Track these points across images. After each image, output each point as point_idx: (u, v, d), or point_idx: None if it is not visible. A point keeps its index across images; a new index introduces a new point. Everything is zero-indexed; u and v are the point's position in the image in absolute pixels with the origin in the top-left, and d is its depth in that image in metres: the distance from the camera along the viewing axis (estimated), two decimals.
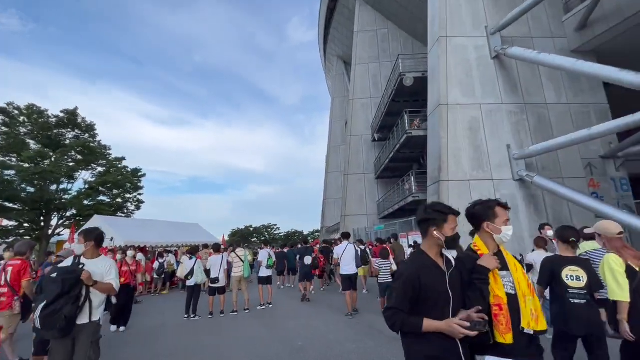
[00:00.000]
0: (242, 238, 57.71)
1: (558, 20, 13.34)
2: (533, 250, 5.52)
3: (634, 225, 8.30)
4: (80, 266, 2.59)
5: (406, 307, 1.65)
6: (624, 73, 8.45)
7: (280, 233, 65.89)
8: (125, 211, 25.61)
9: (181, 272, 7.14)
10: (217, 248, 7.33)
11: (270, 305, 7.65)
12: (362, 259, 7.88)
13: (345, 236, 7.51)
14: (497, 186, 11.60)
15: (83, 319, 2.58)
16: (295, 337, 5.02)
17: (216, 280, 6.87)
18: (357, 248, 7.51)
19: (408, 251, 11.41)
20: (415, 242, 11.62)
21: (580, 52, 12.37)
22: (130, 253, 10.31)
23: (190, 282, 6.96)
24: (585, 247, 4.23)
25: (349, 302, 6.59)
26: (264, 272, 7.83)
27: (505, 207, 1.95)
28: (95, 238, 2.78)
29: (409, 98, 16.72)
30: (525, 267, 5.11)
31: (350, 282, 6.77)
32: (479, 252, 1.85)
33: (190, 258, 7.06)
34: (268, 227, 65.61)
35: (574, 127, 11.93)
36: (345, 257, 6.99)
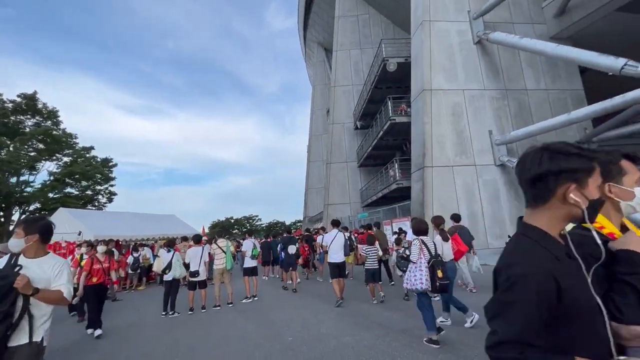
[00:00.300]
0: (223, 230, 56.69)
1: (538, 6, 13.43)
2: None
3: None
4: (17, 269, 1.93)
5: (538, 338, 0.87)
6: (602, 57, 8.56)
7: (261, 224, 65.29)
8: (97, 204, 24.15)
9: (158, 266, 6.63)
10: (197, 239, 6.86)
11: (256, 298, 7.30)
12: (349, 246, 7.82)
13: (335, 224, 7.28)
14: (479, 171, 11.70)
15: (19, 339, 1.92)
16: (285, 332, 4.72)
17: (196, 273, 6.43)
18: (345, 236, 7.40)
19: (392, 238, 11.34)
20: (400, 229, 11.56)
21: (558, 39, 12.52)
22: (100, 248, 9.54)
23: (167, 277, 6.47)
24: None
25: (337, 289, 6.45)
26: (249, 263, 7.43)
27: (635, 159, 1.25)
28: (40, 230, 2.07)
29: (392, 84, 16.54)
30: None
31: (338, 270, 6.65)
32: (603, 231, 1.15)
33: (168, 251, 6.54)
34: (249, 218, 64.79)
35: (552, 113, 12.18)
36: (334, 246, 6.81)
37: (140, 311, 7.16)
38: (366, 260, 6.82)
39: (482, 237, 11.20)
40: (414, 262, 4.05)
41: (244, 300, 7.11)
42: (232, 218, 63.06)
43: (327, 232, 9.53)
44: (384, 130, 15.15)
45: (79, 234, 9.26)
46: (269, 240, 11.27)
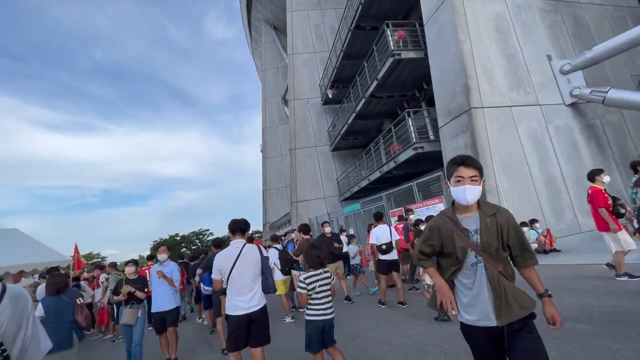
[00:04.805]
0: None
1: None
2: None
3: None
4: None
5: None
6: None
7: (217, 238, 57.28)
8: None
9: None
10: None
11: None
12: (285, 264, 5.32)
13: (237, 230, 2.83)
14: (547, 114, 7.53)
15: None
16: None
17: None
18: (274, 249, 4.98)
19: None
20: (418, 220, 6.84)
21: None
22: None
23: None
24: None
25: None
26: None
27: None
28: None
29: (379, 23, 11.98)
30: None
31: (247, 327, 2.71)
32: None
33: None
34: (199, 233, 56.35)
35: (613, 33, 8.65)
36: (236, 278, 2.72)
37: None
38: (308, 303, 2.68)
39: (569, 213, 6.98)
40: None
41: None
42: (177, 235, 54.16)
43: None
44: (378, 80, 10.49)
45: None
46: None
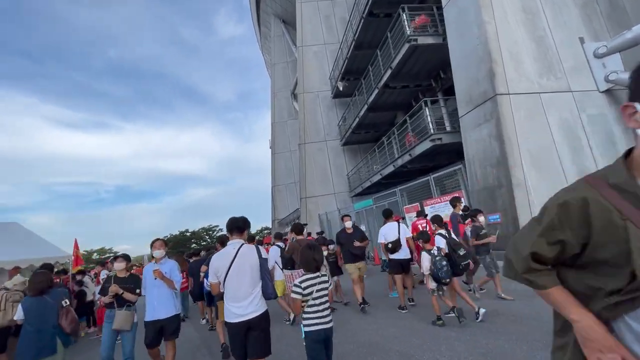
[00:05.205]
0: (176, 245, 48.29)
1: None
2: None
3: None
4: None
5: None
6: None
7: (223, 235, 57.58)
8: None
9: None
10: None
11: None
12: (287, 262, 4.94)
13: (234, 228, 2.53)
14: (580, 102, 6.90)
15: None
16: None
17: None
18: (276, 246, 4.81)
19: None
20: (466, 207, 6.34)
21: None
22: None
23: None
24: None
25: None
26: None
27: None
28: None
29: (394, 9, 11.40)
30: None
31: (242, 338, 2.36)
32: None
33: None
34: (208, 229, 56.72)
35: None
36: (232, 281, 2.40)
37: None
38: (302, 312, 2.33)
39: None
40: None
41: None
42: (187, 231, 54.55)
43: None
44: (392, 69, 9.96)
45: None
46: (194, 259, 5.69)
